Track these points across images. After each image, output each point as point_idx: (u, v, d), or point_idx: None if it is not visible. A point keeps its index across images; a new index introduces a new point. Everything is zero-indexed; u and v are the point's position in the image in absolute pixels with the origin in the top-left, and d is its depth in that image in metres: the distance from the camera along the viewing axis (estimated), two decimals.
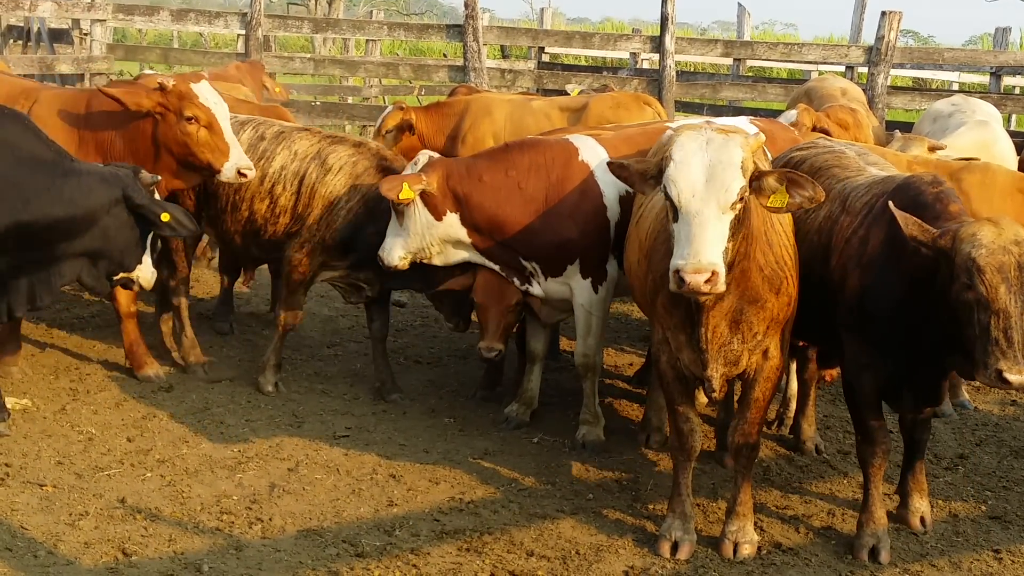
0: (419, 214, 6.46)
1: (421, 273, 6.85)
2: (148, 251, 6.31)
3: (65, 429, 6.52)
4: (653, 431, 6.76)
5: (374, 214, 6.88)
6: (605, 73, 16.82)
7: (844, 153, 6.20)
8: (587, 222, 6.46)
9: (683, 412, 5.53)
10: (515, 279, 6.66)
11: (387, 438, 6.70)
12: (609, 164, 5.41)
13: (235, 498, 5.79)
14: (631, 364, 8.38)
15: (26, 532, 5.28)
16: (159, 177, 6.44)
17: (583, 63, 23.99)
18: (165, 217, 6.13)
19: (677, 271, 4.63)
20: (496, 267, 6.66)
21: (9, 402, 6.62)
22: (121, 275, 6.29)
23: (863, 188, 5.68)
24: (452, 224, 6.51)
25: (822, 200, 4.88)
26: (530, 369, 7.03)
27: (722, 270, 4.63)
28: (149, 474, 6.01)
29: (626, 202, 6.42)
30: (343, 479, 6.11)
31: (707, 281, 4.60)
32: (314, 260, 7.14)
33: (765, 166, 4.96)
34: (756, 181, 4.79)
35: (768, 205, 4.83)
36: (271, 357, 7.34)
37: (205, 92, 6.75)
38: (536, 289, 6.67)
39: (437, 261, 6.65)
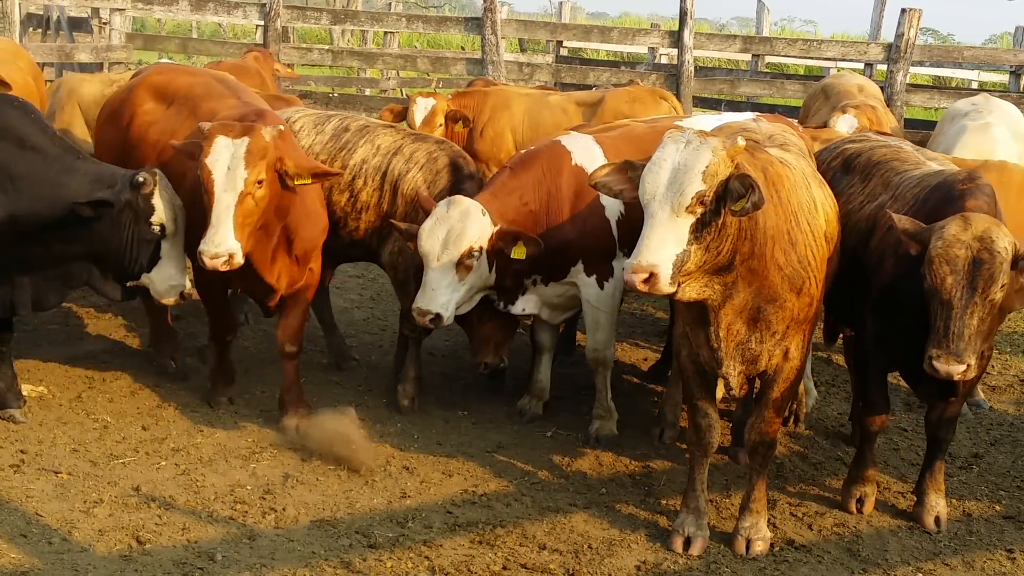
0: (483, 267, 6.29)
1: None
2: (169, 261, 6.12)
3: (80, 417, 6.55)
4: (667, 426, 6.76)
5: None
6: (623, 68, 16.84)
7: (902, 148, 6.31)
8: (585, 223, 6.43)
9: (702, 407, 5.52)
10: (502, 301, 6.59)
11: (401, 430, 6.71)
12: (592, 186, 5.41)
13: (249, 488, 5.81)
14: (646, 359, 8.37)
15: (41, 519, 5.32)
16: (157, 171, 6.09)
17: (601, 57, 23.97)
18: (158, 220, 5.98)
19: (624, 269, 4.77)
20: (492, 293, 6.56)
21: (25, 389, 6.66)
22: (131, 283, 6.18)
23: (915, 180, 5.81)
24: (493, 271, 6.38)
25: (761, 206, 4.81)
26: (539, 360, 7.03)
27: (665, 271, 4.67)
28: (163, 463, 6.03)
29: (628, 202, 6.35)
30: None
31: (644, 281, 4.68)
32: (407, 258, 6.96)
33: (750, 171, 4.91)
34: (727, 185, 4.74)
35: (733, 209, 4.78)
36: (409, 370, 7.16)
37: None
38: (519, 307, 6.61)
39: (465, 309, 6.45)
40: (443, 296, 6.19)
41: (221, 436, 6.41)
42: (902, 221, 5.16)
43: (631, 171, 5.05)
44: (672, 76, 14.71)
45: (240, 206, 5.72)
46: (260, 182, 5.75)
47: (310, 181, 6.09)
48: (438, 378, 7.68)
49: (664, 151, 4.80)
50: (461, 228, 6.12)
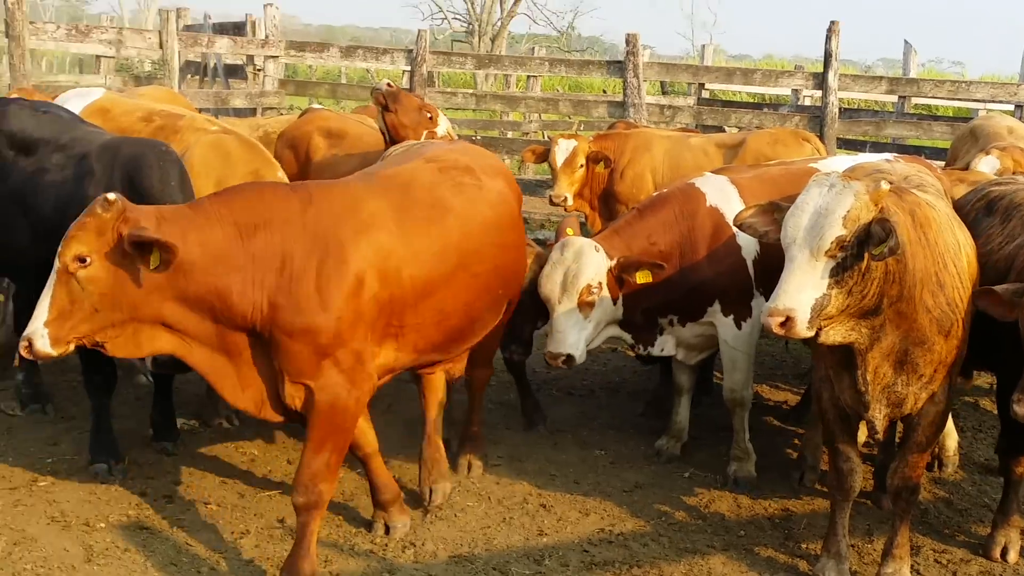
0: (607, 301, 6.34)
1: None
2: None
3: (229, 450, 6.76)
4: (808, 469, 6.64)
5: None
6: (765, 110, 16.70)
7: None
8: (721, 263, 6.39)
9: (844, 451, 5.43)
10: (640, 344, 6.64)
11: (538, 468, 6.74)
12: (737, 227, 5.42)
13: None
14: (786, 401, 8.25)
15: (191, 548, 5.50)
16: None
17: (743, 99, 23.82)
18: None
19: (762, 312, 4.75)
20: (628, 335, 6.61)
21: (179, 422, 6.92)
22: None
23: None
24: (617, 304, 6.41)
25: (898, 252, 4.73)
26: (677, 402, 7.01)
27: (803, 315, 4.65)
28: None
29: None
30: (494, 507, 6.18)
31: (781, 325, 4.65)
32: None
33: (898, 214, 4.85)
34: (869, 229, 4.68)
35: (872, 253, 4.71)
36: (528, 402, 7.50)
37: None
38: (658, 349, 6.64)
39: (597, 343, 6.55)
40: (571, 337, 6.24)
41: (363, 471, 6.52)
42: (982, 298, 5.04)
43: (776, 212, 5.04)
44: (816, 118, 14.53)
45: None
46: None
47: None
48: (575, 417, 7.70)
49: (808, 194, 4.79)
50: (576, 268, 6.19)
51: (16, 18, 12.57)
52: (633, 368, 9.00)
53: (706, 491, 6.51)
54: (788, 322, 4.65)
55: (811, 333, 4.72)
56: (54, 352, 4.59)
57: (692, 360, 6.84)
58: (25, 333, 4.59)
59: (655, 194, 6.81)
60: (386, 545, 5.64)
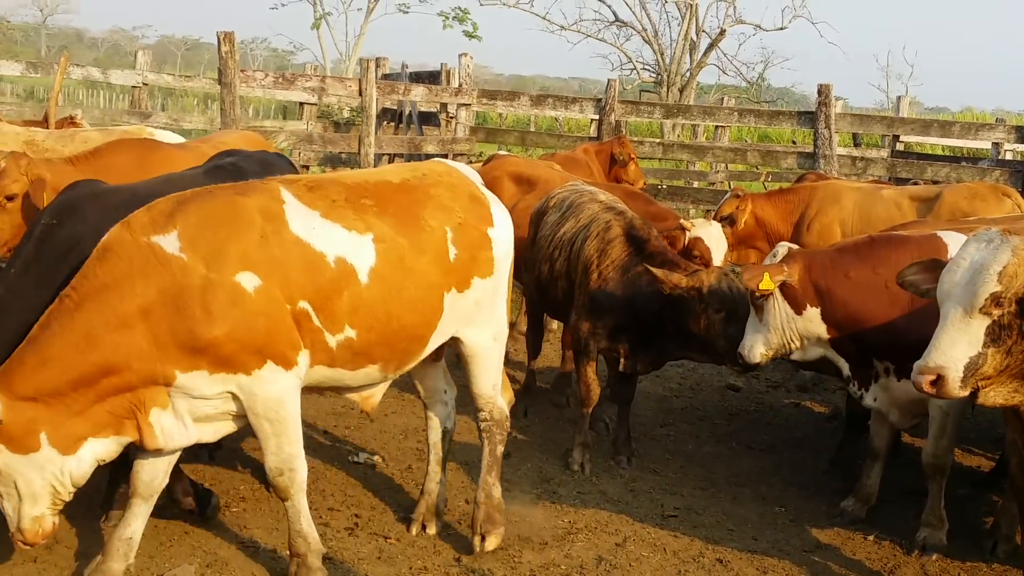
0: (779, 308, 6.30)
1: (678, 342, 7.04)
2: None
3: (409, 486, 6.90)
4: (1001, 539, 6.34)
5: (624, 280, 7.13)
6: (963, 163, 16.17)
7: None
8: None
9: None
10: (856, 380, 6.45)
11: (716, 522, 6.66)
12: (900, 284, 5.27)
13: (563, 567, 5.92)
14: (980, 466, 7.93)
15: None
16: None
17: (939, 152, 23.12)
18: None
19: (912, 368, 4.58)
20: (845, 364, 6.44)
21: (362, 456, 7.13)
22: None
23: None
24: (812, 319, 6.29)
25: None
26: (870, 465, 6.79)
27: (954, 374, 4.47)
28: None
29: None
30: (669, 559, 6.12)
31: (932, 383, 4.49)
32: (582, 326, 7.38)
33: None
34: None
35: None
36: (577, 435, 7.54)
37: None
38: (870, 397, 6.42)
39: (796, 357, 6.49)
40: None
41: (539, 516, 6.57)
42: None
43: (940, 270, 4.90)
44: (1018, 172, 14.00)
45: None
46: None
47: None
48: (756, 472, 7.59)
49: (965, 250, 4.65)
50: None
51: (228, 67, 13.26)
52: (817, 424, 8.82)
53: (891, 556, 6.30)
54: (939, 380, 4.48)
55: (964, 393, 4.53)
56: None
57: (905, 424, 6.62)
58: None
59: (893, 232, 6.58)
60: None
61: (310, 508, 6.22)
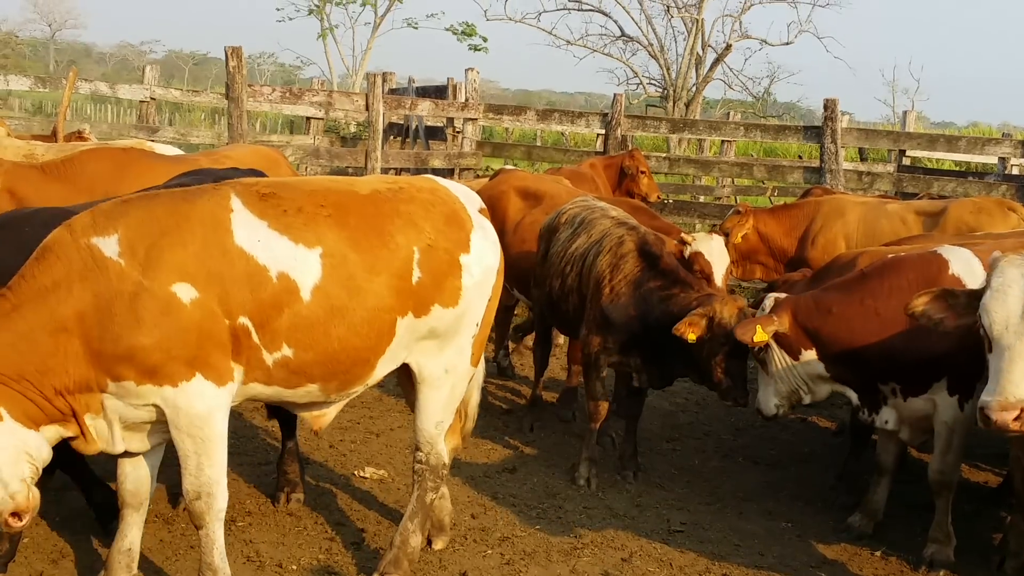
0: (778, 357, 6.46)
1: (692, 364, 7.00)
2: None
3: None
4: (1010, 556, 6.30)
5: (636, 295, 7.15)
6: (970, 178, 16.17)
7: None
8: (962, 337, 5.79)
9: None
10: (865, 407, 6.49)
11: (722, 537, 6.65)
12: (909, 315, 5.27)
13: None
14: (987, 482, 7.91)
15: None
16: None
17: (945, 167, 23.12)
18: None
19: (983, 408, 4.47)
20: (853, 394, 6.48)
21: (367, 472, 7.13)
22: None
23: None
24: (810, 361, 6.39)
25: None
26: (877, 481, 6.79)
27: None
28: (489, 551, 6.23)
29: None
30: (676, 574, 6.10)
31: (1016, 419, 4.42)
32: (592, 341, 7.39)
33: None
34: None
35: None
36: (584, 450, 7.54)
37: None
38: (882, 419, 6.45)
39: (807, 400, 6.60)
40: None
41: (545, 530, 6.57)
42: None
43: (951, 299, 4.89)
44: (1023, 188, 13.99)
45: None
46: None
47: None
48: (762, 487, 7.58)
49: (1005, 276, 4.60)
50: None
51: (236, 81, 13.31)
52: (823, 439, 8.81)
53: (898, 572, 6.28)
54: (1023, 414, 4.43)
55: None
56: None
57: (916, 441, 6.62)
58: None
59: (892, 257, 6.59)
60: None
61: (317, 522, 6.24)
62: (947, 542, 6.38)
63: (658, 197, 13.15)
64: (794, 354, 6.40)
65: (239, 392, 4.92)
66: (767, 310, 6.48)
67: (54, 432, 4.72)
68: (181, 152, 8.64)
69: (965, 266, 6.14)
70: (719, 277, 8.32)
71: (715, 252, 8.53)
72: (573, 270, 7.64)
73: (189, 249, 4.67)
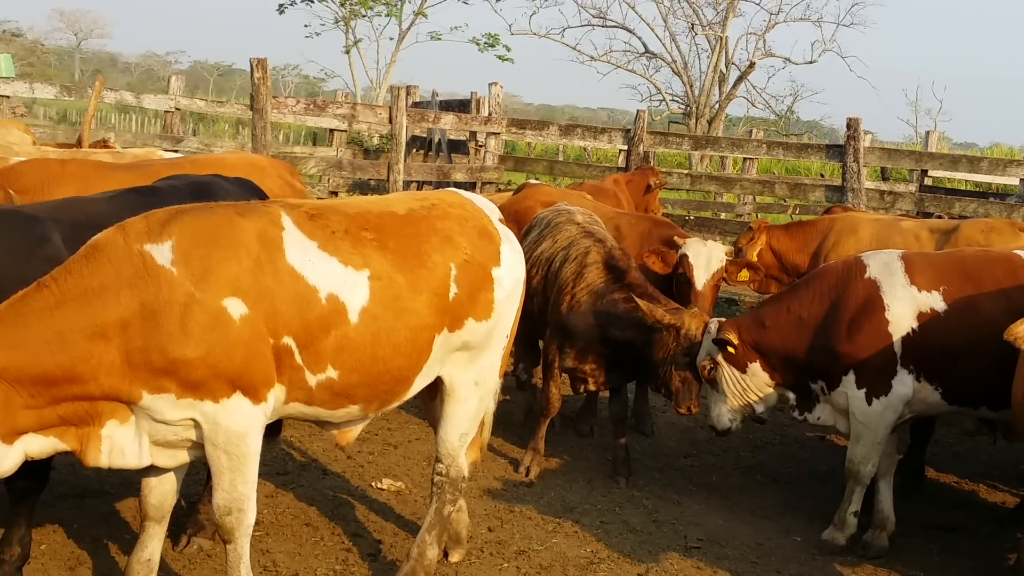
0: (728, 374, 6.87)
1: (637, 365, 7.38)
2: None
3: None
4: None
5: (597, 305, 7.42)
6: (992, 199, 16.13)
7: None
8: (860, 334, 6.47)
9: None
10: (798, 409, 6.94)
11: (739, 554, 6.63)
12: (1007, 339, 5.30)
13: None
14: (1003, 502, 7.87)
15: None
16: None
17: (968, 188, 23.04)
18: None
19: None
20: (792, 395, 6.93)
21: (385, 483, 7.15)
22: None
23: None
24: (756, 372, 6.86)
25: None
26: (877, 488, 6.85)
27: None
28: (505, 564, 6.24)
29: (928, 319, 6.36)
30: None
31: None
32: (551, 346, 7.74)
33: None
34: None
35: None
36: (532, 441, 7.92)
37: None
38: (816, 416, 6.88)
39: (760, 409, 7.00)
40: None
41: (561, 544, 6.57)
42: None
43: None
44: None
45: None
46: None
47: None
48: (779, 504, 7.56)
49: None
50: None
51: (261, 93, 13.39)
52: (842, 457, 8.76)
53: None
54: None
55: None
56: None
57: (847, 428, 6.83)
58: None
59: (823, 265, 7.12)
60: None
61: (334, 533, 6.26)
62: (843, 529, 6.76)
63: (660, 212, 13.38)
64: (742, 368, 6.85)
65: (279, 411, 4.88)
66: (712, 334, 6.86)
67: (47, 446, 4.50)
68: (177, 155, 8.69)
69: (883, 269, 6.58)
70: (700, 282, 8.24)
71: (702, 256, 8.33)
72: (539, 273, 7.88)
73: (243, 264, 4.59)
